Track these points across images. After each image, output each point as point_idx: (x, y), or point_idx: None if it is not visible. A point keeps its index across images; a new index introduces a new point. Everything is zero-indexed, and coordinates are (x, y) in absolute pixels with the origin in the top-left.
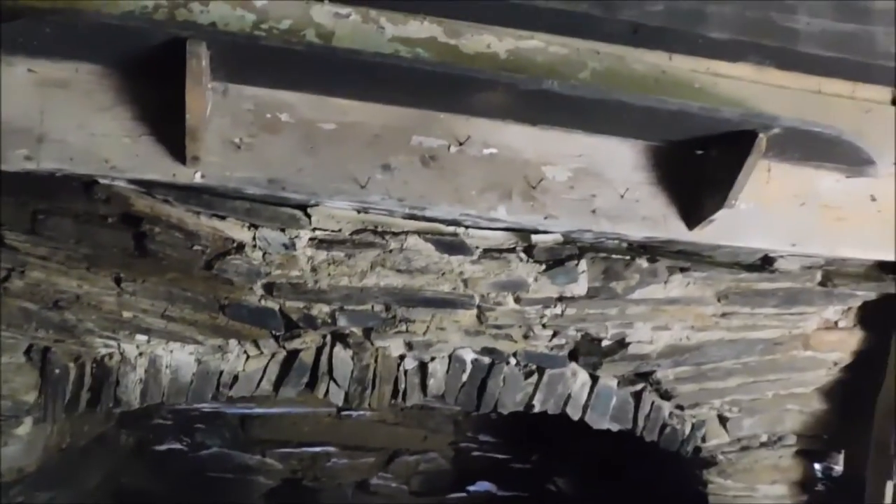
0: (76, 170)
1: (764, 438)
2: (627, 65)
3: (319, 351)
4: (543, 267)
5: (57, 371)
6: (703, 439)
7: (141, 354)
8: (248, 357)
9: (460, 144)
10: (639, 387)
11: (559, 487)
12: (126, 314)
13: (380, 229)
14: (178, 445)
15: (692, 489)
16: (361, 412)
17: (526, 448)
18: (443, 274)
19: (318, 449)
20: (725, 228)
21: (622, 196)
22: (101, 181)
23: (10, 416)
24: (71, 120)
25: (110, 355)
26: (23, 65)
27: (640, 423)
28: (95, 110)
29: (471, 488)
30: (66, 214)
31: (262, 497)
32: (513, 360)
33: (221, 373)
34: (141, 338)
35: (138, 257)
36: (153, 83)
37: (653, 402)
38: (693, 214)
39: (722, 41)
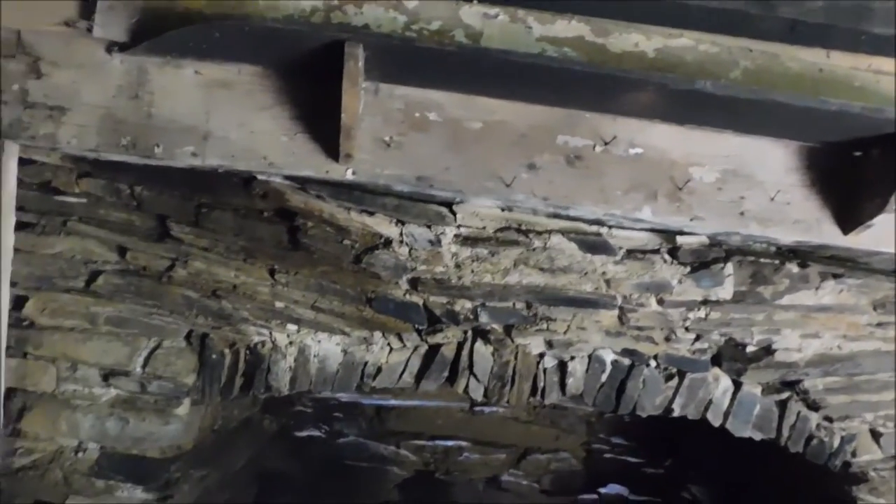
0: (237, 166)
1: None
2: (782, 63)
3: (460, 346)
4: (688, 269)
5: (214, 356)
6: (854, 454)
7: (291, 343)
8: (391, 350)
9: (606, 144)
10: (784, 395)
11: (694, 495)
12: (279, 304)
13: (523, 228)
14: (317, 433)
15: None
16: (494, 408)
17: (659, 453)
18: (585, 273)
19: (450, 443)
20: (885, 234)
21: (773, 198)
22: (260, 177)
23: (172, 397)
24: (233, 119)
25: (263, 343)
26: (191, 67)
27: (785, 432)
28: (255, 109)
29: (602, 490)
30: (226, 208)
31: (396, 487)
32: (653, 363)
33: (366, 364)
34: (291, 327)
35: (291, 250)
36: (309, 83)
37: (799, 412)
38: (849, 219)
39: (886, 37)
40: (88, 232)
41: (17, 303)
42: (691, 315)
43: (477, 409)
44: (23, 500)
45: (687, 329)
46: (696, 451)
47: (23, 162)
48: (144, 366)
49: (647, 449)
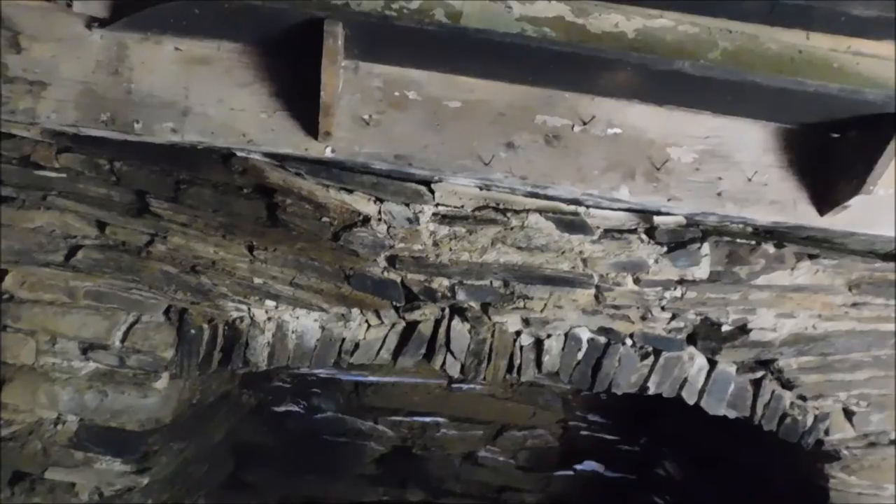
0: (216, 143)
1: (893, 436)
2: (761, 44)
3: (438, 323)
4: (665, 249)
5: (192, 331)
6: (827, 432)
7: (269, 319)
8: (368, 326)
9: (584, 124)
10: (759, 374)
11: (668, 472)
12: (257, 280)
13: (501, 206)
14: (295, 408)
15: (812, 483)
16: (471, 385)
17: (634, 431)
18: (562, 252)
19: (428, 419)
20: (861, 215)
21: (750, 179)
22: (239, 154)
23: (150, 371)
24: (212, 95)
25: (241, 319)
26: (170, 43)
27: (759, 411)
28: (235, 86)
29: (578, 467)
30: (205, 184)
31: (373, 462)
32: (629, 342)
33: (343, 340)
34: (270, 303)
35: (270, 227)
36: (289, 61)
37: (773, 391)
38: (825, 200)
39: (865, 18)
40: (68, 206)
41: None
42: (667, 294)
43: (454, 386)
44: (2, 472)
45: (663, 308)
46: (670, 429)
47: (3, 136)
48: (123, 340)
49: (622, 426)
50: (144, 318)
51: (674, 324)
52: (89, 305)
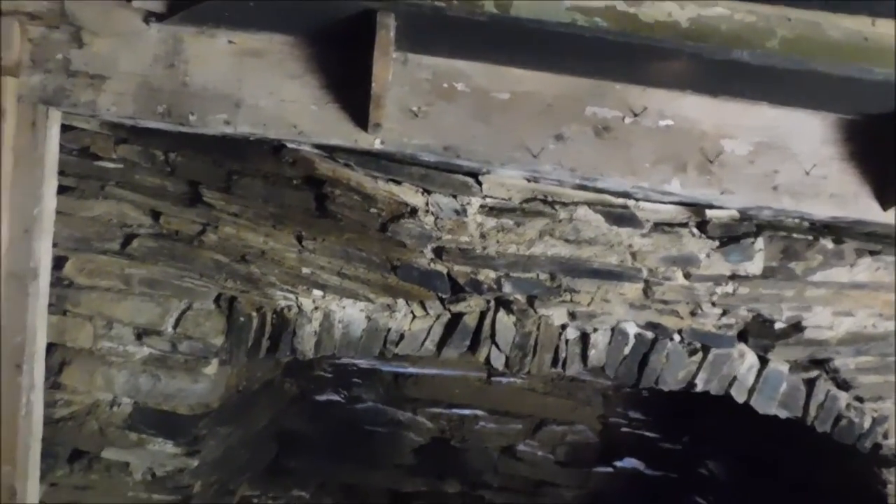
0: (268, 134)
1: None
2: (823, 31)
3: (483, 315)
4: (717, 243)
5: (241, 319)
6: (885, 436)
7: (316, 308)
8: (414, 317)
9: (635, 115)
10: (813, 374)
11: (711, 472)
12: (305, 270)
13: (549, 199)
14: (336, 397)
15: (869, 488)
16: (510, 379)
17: (676, 429)
18: (611, 246)
19: (466, 411)
20: None
21: (808, 172)
22: (290, 145)
23: (201, 357)
24: (264, 87)
25: (289, 307)
26: (224, 36)
27: (812, 411)
28: (286, 78)
29: (618, 463)
30: (256, 175)
31: (412, 452)
32: (677, 337)
33: (389, 330)
34: (317, 293)
35: (319, 217)
36: (339, 53)
37: (828, 392)
38: (889, 194)
39: None
40: (124, 196)
41: (58, 263)
42: (718, 290)
43: (494, 379)
44: (62, 449)
45: (713, 304)
46: (714, 428)
47: (63, 128)
48: (175, 326)
49: (664, 424)
50: (196, 305)
51: (724, 320)
52: (144, 292)
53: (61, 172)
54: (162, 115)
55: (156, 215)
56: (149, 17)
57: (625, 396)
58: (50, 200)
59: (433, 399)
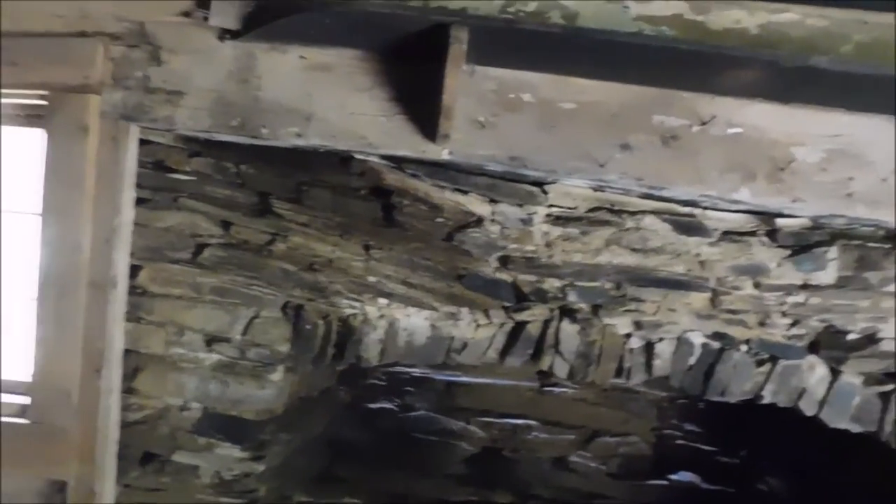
0: (337, 146)
1: None
2: None
3: (546, 324)
4: (788, 252)
5: (308, 327)
6: None
7: (381, 316)
8: (477, 325)
9: (703, 124)
10: (889, 387)
11: (771, 487)
12: (371, 279)
13: (615, 208)
14: (388, 405)
15: None
16: (562, 389)
17: (733, 442)
18: (678, 255)
19: (518, 421)
20: None
21: (884, 179)
22: (358, 156)
23: (267, 364)
24: (334, 100)
25: (354, 315)
26: (295, 52)
27: (888, 427)
28: (355, 91)
29: (672, 477)
30: (325, 186)
31: (463, 461)
32: (744, 347)
33: (452, 338)
34: (382, 301)
35: (386, 227)
36: (407, 66)
37: None
38: None
39: None
40: (196, 207)
41: (132, 272)
42: (789, 299)
43: (546, 389)
44: (135, 452)
45: (783, 314)
46: (774, 442)
47: (139, 142)
48: (243, 333)
49: (720, 437)
50: (263, 313)
51: (794, 330)
52: (213, 300)
53: (137, 185)
54: (235, 128)
55: (226, 225)
56: (223, 34)
57: (679, 408)
58: (128, 212)
59: (485, 408)
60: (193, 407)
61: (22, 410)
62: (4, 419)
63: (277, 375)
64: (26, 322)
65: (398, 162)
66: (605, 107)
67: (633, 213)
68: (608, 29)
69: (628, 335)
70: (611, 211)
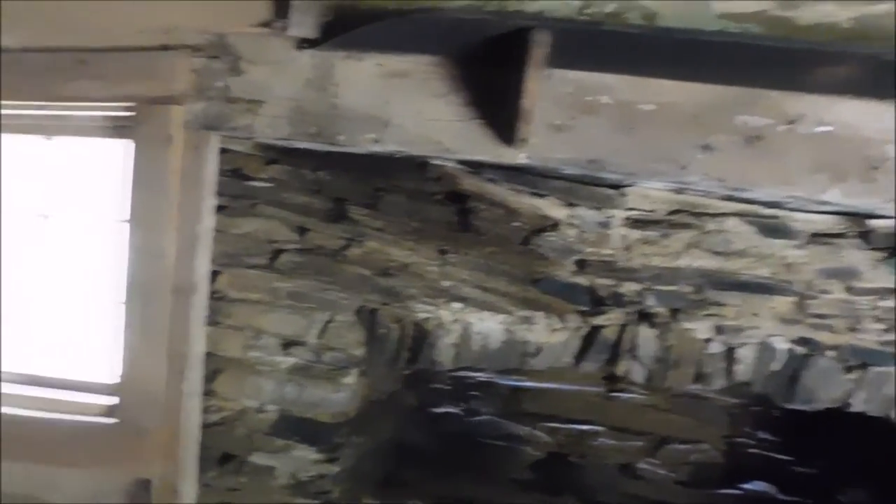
0: (414, 151)
1: None
2: None
3: (622, 328)
4: (883, 255)
5: (382, 330)
6: None
7: (455, 321)
8: (552, 330)
9: (790, 123)
10: None
11: (853, 499)
12: (446, 283)
13: (696, 210)
14: (453, 409)
15: None
16: (630, 395)
17: (811, 452)
18: (762, 258)
19: (585, 427)
20: None
21: None
22: (434, 162)
23: (342, 367)
24: (410, 107)
25: (428, 319)
26: (371, 59)
27: None
28: (431, 97)
29: (745, 486)
30: (400, 192)
31: (528, 467)
32: (831, 353)
33: (527, 343)
34: (456, 305)
35: (461, 232)
36: (482, 71)
37: None
38: None
39: None
40: (273, 214)
41: (211, 277)
42: (882, 304)
43: (613, 394)
44: (213, 452)
45: (876, 319)
46: (855, 452)
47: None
48: (319, 337)
49: (796, 446)
50: (338, 317)
51: (888, 336)
52: (289, 305)
53: (217, 192)
54: (313, 135)
55: (302, 231)
56: (302, 44)
57: (753, 416)
58: (209, 219)
59: (551, 413)
60: (270, 409)
61: (109, 411)
62: (94, 419)
63: (351, 379)
64: (112, 325)
65: (475, 167)
66: (685, 107)
67: (714, 216)
68: (690, 28)
69: (708, 340)
70: (691, 213)
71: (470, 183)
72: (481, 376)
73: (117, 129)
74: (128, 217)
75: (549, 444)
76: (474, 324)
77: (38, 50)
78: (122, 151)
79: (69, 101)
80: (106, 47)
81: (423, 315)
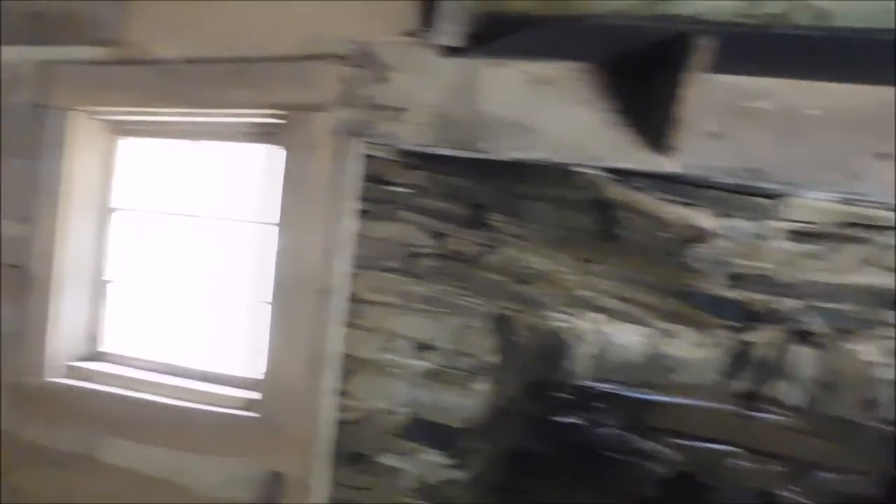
0: (558, 158)
1: None
2: None
3: (776, 347)
4: None
5: (515, 338)
6: None
7: (592, 331)
8: (696, 345)
9: None
10: None
11: None
12: (584, 293)
13: (864, 222)
14: (574, 420)
15: None
16: (770, 415)
17: None
18: None
19: (718, 447)
20: None
21: None
22: (578, 169)
23: (473, 373)
24: (555, 113)
25: (564, 329)
26: (515, 66)
27: None
28: (577, 104)
29: None
30: (542, 199)
31: (655, 485)
32: None
33: (668, 357)
34: (594, 315)
35: (603, 241)
36: (630, 77)
37: None
38: None
39: None
40: (411, 219)
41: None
42: None
43: (752, 413)
44: (345, 451)
45: None
46: None
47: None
48: (452, 342)
49: None
50: (471, 323)
51: None
52: (423, 309)
53: (360, 197)
54: (456, 142)
55: (439, 237)
56: (446, 52)
57: None
58: (352, 223)
59: (679, 430)
60: (401, 411)
61: (250, 405)
62: (235, 412)
63: (482, 385)
64: (256, 323)
65: (621, 175)
66: (857, 112)
67: (884, 229)
68: (866, 27)
69: (874, 363)
70: (860, 226)
71: (616, 191)
72: (605, 387)
73: (264, 134)
74: (277, 220)
75: (677, 462)
76: (613, 335)
77: (197, 61)
78: (265, 156)
79: (223, 108)
80: (258, 57)
81: (558, 324)
